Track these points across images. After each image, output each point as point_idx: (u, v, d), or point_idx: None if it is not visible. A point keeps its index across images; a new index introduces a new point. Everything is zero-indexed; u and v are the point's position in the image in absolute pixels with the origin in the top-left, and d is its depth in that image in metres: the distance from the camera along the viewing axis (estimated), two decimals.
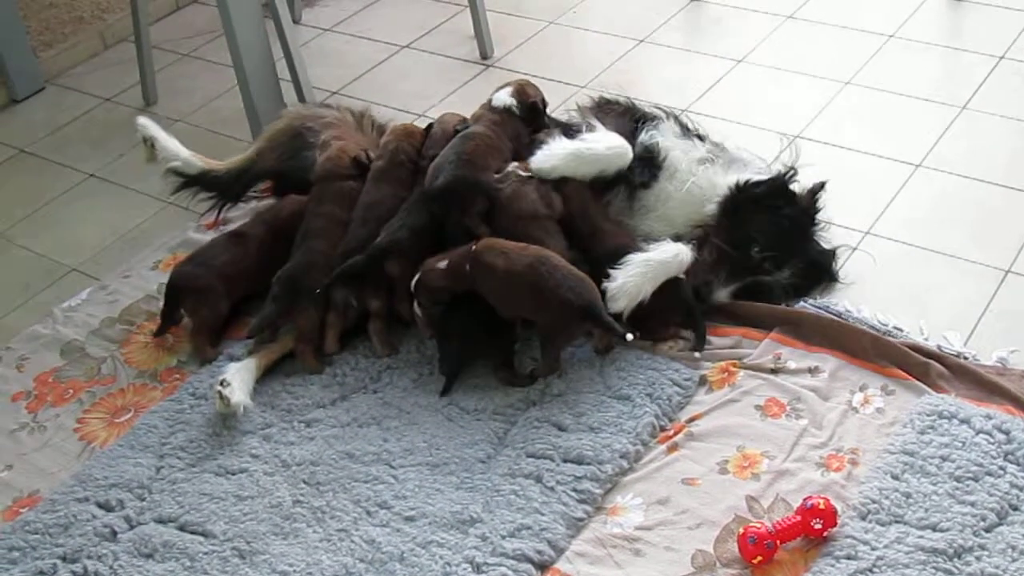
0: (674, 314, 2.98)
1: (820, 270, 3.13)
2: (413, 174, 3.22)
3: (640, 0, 4.61)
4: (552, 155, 3.14)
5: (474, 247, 2.94)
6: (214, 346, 3.11)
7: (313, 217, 3.17)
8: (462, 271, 2.92)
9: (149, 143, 3.54)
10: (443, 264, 2.95)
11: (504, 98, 3.33)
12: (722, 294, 3.03)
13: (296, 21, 4.66)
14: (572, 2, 4.67)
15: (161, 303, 3.21)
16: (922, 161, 3.54)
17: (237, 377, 2.92)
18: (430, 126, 3.37)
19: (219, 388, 2.87)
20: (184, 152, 3.50)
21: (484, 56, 4.37)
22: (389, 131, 3.37)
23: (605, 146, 3.17)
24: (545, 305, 2.85)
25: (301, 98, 3.82)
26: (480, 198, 3.07)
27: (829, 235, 3.20)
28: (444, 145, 3.22)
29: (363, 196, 3.19)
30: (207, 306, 3.13)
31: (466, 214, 3.05)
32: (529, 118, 3.33)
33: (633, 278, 2.89)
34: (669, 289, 2.94)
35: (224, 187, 3.49)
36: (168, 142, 3.52)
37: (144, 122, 3.58)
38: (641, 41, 4.34)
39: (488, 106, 3.33)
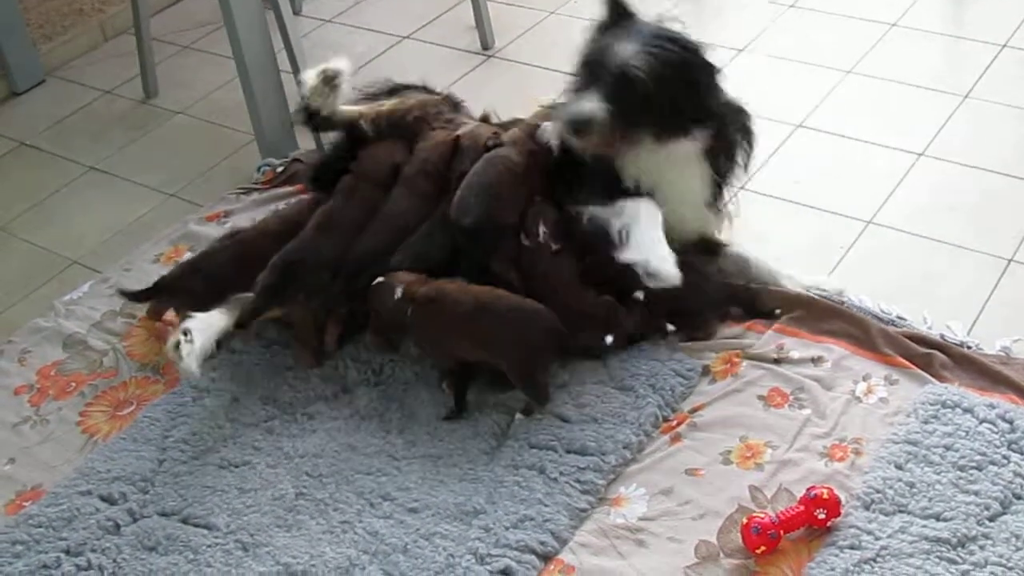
0: (713, 311, 2.96)
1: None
2: (439, 188, 3.07)
3: None
4: (669, 260, 2.78)
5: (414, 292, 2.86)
6: None
7: (337, 212, 3.09)
8: (403, 314, 2.85)
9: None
10: (399, 292, 2.85)
11: (552, 135, 3.03)
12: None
13: (297, 12, 4.65)
14: None
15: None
16: (925, 150, 3.53)
17: (199, 335, 2.85)
18: (458, 137, 3.17)
19: (180, 337, 2.82)
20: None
21: (485, 47, 4.36)
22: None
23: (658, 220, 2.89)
24: (511, 345, 2.79)
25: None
26: (510, 242, 2.94)
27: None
28: (474, 160, 3.06)
29: (387, 205, 3.08)
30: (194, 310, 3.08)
31: (495, 258, 2.93)
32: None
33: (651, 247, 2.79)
34: (700, 289, 2.92)
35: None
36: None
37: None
38: None
39: (529, 130, 3.10)
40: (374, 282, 2.88)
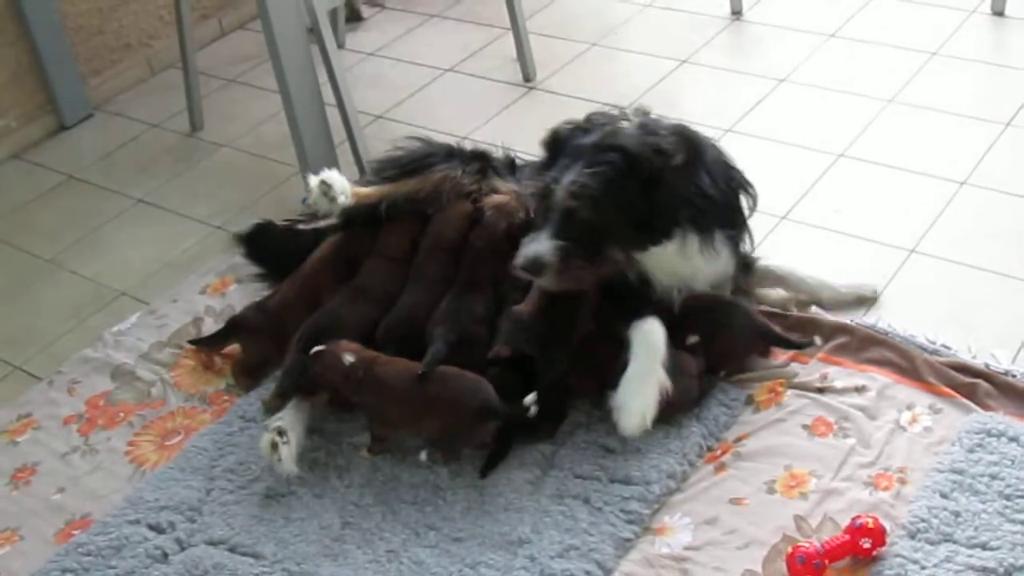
0: (753, 347, 2.95)
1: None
2: (455, 257, 3.11)
3: (681, 21, 4.63)
4: (645, 414, 2.74)
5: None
6: (254, 382, 3.12)
7: (369, 274, 3.14)
8: (356, 378, 2.83)
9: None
10: (350, 358, 2.84)
11: None
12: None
13: (341, 46, 4.69)
14: (614, 24, 4.69)
15: (212, 327, 3.28)
16: (967, 178, 3.53)
17: (294, 434, 2.84)
18: (480, 209, 3.18)
19: (275, 437, 2.82)
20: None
21: (527, 79, 4.39)
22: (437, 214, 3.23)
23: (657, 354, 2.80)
24: (440, 414, 2.77)
25: (346, 122, 3.84)
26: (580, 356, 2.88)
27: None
28: (494, 238, 3.07)
29: (413, 270, 3.12)
30: (256, 346, 3.14)
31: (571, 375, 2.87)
32: None
33: (632, 397, 2.74)
34: (737, 322, 2.91)
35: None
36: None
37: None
38: (683, 62, 4.36)
39: None
40: (315, 349, 2.86)
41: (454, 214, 3.19)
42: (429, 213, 3.22)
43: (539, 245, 2.77)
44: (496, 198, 3.21)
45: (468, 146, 3.42)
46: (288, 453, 2.81)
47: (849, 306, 3.10)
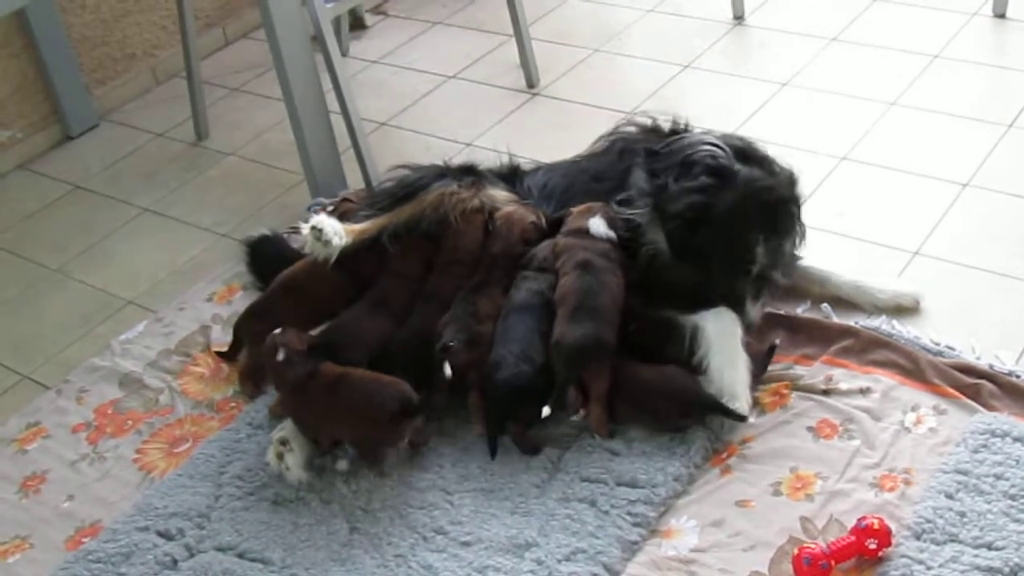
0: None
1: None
2: (471, 270, 3.12)
3: (684, 25, 4.64)
4: (745, 390, 2.84)
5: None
6: (257, 387, 3.14)
7: (386, 289, 3.15)
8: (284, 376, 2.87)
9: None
10: (280, 356, 2.86)
11: (603, 227, 3.07)
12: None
13: (344, 54, 4.70)
14: (617, 29, 4.71)
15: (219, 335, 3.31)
16: (970, 180, 3.54)
17: (296, 441, 2.85)
18: (491, 217, 3.21)
19: (280, 448, 2.84)
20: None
21: (530, 85, 4.40)
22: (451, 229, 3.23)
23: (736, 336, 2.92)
24: (357, 420, 2.80)
25: (350, 130, 3.85)
26: (608, 366, 2.86)
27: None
28: (510, 244, 3.13)
29: (428, 288, 3.12)
30: (254, 348, 3.13)
31: (593, 383, 2.86)
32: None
33: (735, 384, 2.82)
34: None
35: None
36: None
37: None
38: (686, 66, 4.37)
39: (580, 233, 3.08)
40: (270, 336, 2.89)
41: (470, 228, 3.20)
42: (436, 233, 3.22)
43: (751, 316, 2.95)
44: (504, 210, 3.23)
45: (456, 161, 3.43)
46: (295, 461, 2.82)
47: (888, 314, 3.09)
